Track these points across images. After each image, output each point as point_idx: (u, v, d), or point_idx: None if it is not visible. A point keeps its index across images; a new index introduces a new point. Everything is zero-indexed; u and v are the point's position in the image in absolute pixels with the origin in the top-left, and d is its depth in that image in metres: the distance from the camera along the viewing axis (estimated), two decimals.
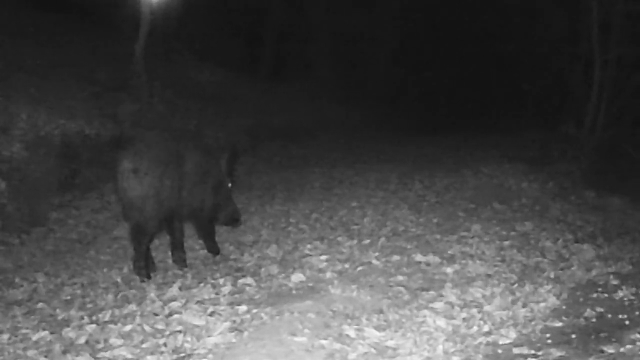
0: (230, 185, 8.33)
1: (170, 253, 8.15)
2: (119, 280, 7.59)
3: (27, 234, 9.78)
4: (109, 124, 12.86)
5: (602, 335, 5.84)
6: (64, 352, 5.60)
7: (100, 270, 8.02)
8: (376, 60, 28.06)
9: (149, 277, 7.50)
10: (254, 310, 6.24)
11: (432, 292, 6.85)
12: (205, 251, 8.47)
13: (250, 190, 11.77)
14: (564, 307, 6.64)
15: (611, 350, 5.46)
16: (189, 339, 5.67)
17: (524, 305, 6.53)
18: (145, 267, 7.55)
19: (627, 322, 6.17)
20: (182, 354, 5.43)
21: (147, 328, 5.96)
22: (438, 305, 6.49)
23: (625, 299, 6.86)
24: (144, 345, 5.64)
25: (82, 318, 6.39)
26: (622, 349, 5.48)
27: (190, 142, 8.31)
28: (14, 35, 14.95)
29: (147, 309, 6.47)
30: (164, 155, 7.46)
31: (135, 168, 7.24)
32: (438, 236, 8.99)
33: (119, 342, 5.74)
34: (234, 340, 5.62)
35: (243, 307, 6.34)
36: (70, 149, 11.54)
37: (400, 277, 7.31)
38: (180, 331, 5.83)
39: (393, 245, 8.56)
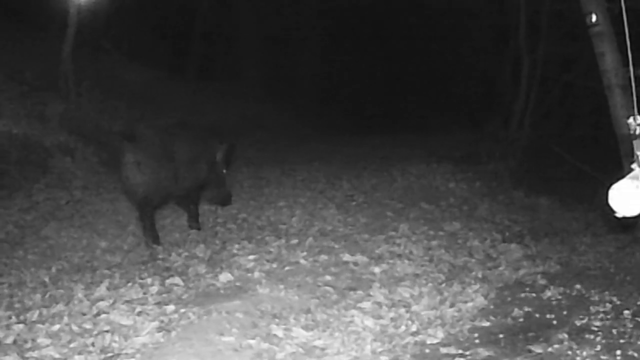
0: (225, 171, 9.96)
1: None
2: (46, 280, 7.49)
3: None
4: (36, 123, 12.66)
5: (529, 334, 5.91)
6: None
7: (27, 270, 7.89)
8: (305, 59, 28.11)
9: (159, 243, 8.75)
10: (182, 310, 6.22)
11: (360, 292, 6.87)
12: (133, 253, 8.45)
13: None
14: (491, 306, 6.71)
15: (539, 350, 5.52)
16: (116, 338, 5.62)
17: (452, 305, 6.58)
18: (154, 235, 8.86)
19: (554, 322, 6.26)
20: (110, 354, 5.38)
21: (74, 328, 5.89)
22: (366, 305, 6.52)
23: (553, 298, 6.95)
24: (71, 345, 5.57)
25: (9, 318, 6.29)
26: (549, 349, 5.55)
27: (181, 135, 9.49)
28: None
29: (74, 308, 6.39)
30: (160, 149, 8.93)
31: (136, 161, 8.72)
32: (366, 236, 9.02)
33: (47, 341, 5.65)
34: (161, 340, 5.59)
35: (171, 307, 6.32)
36: None
37: (328, 277, 7.34)
38: (108, 331, 5.78)
39: (321, 245, 8.57)
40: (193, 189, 9.59)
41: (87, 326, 5.93)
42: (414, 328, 6.01)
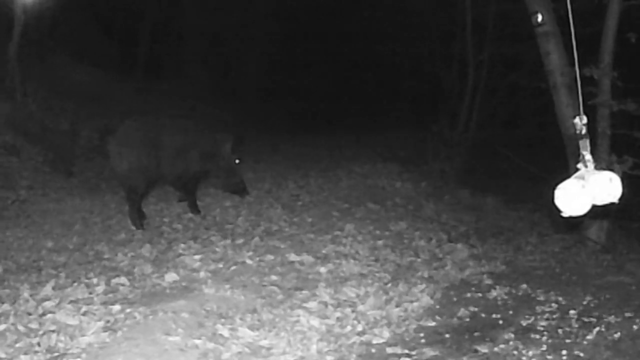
0: (237, 161, 10.62)
1: None
2: None
3: None
4: None
5: (475, 334, 5.94)
6: None
7: None
8: (251, 59, 28.09)
9: (142, 227, 9.51)
10: (128, 310, 6.15)
11: (305, 292, 6.86)
12: (79, 252, 8.35)
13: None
14: (437, 306, 6.74)
15: (485, 350, 5.56)
16: (62, 338, 5.55)
17: (398, 305, 6.60)
18: (139, 219, 9.62)
19: (500, 322, 6.30)
20: (56, 354, 5.31)
21: (20, 327, 5.80)
22: (312, 304, 6.51)
23: (499, 298, 7.00)
24: (17, 345, 5.49)
25: None
26: (495, 349, 5.58)
27: (169, 126, 10.17)
28: None
29: (20, 308, 6.29)
30: (140, 140, 9.70)
31: (119, 151, 9.59)
32: (312, 236, 9.00)
33: None
34: (107, 339, 5.53)
35: (117, 307, 6.24)
36: None
37: (274, 277, 7.31)
38: (53, 331, 5.70)
39: (267, 244, 8.54)
40: (186, 178, 10.24)
41: (33, 326, 5.85)
42: (359, 328, 6.01)
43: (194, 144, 10.15)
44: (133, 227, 9.48)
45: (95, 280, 7.08)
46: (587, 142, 3.96)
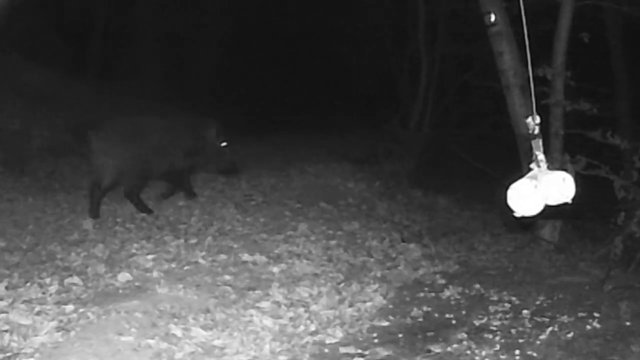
0: (225, 144, 11.21)
1: None
2: None
3: None
4: None
5: (428, 334, 5.99)
6: None
7: None
8: (204, 59, 28.00)
9: (151, 211, 10.13)
10: (81, 310, 6.12)
11: (258, 292, 6.87)
12: (32, 252, 8.23)
13: (77, 190, 11.45)
14: (390, 306, 6.79)
15: (438, 350, 5.60)
16: (15, 338, 5.49)
17: (351, 305, 6.63)
18: (145, 208, 10.16)
19: (453, 322, 6.36)
20: (9, 354, 5.26)
21: None
22: (265, 304, 6.52)
23: (452, 298, 7.06)
24: None
25: None
26: (448, 349, 5.63)
27: (153, 124, 10.77)
28: None
29: None
30: (123, 138, 10.11)
31: (103, 150, 9.92)
32: (265, 235, 9.00)
33: None
34: (60, 339, 5.49)
35: (70, 307, 6.20)
36: None
37: (227, 277, 7.32)
38: (6, 330, 5.63)
39: (220, 244, 8.53)
40: (174, 171, 10.76)
41: None
42: (312, 328, 6.04)
43: (176, 143, 10.63)
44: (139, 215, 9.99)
45: (48, 280, 7.00)
46: (540, 142, 4.00)
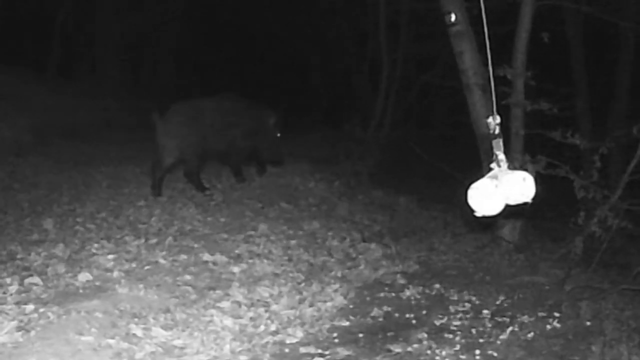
0: (279, 135, 12.43)
1: None
2: None
3: None
4: None
5: (389, 334, 6.02)
6: None
7: None
8: (161, 59, 27.97)
9: (206, 189, 11.47)
10: (41, 310, 6.08)
11: (219, 292, 6.88)
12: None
13: (37, 189, 11.38)
14: (351, 306, 6.82)
15: (398, 350, 5.63)
16: None
17: (311, 305, 6.65)
18: (201, 186, 11.45)
19: (414, 322, 6.40)
20: None
21: None
22: (225, 304, 6.54)
23: (412, 298, 7.10)
24: None
25: None
26: (409, 348, 5.67)
27: (214, 105, 11.88)
28: None
29: None
30: (185, 120, 11.33)
31: (166, 130, 11.08)
32: (225, 235, 8.99)
33: None
34: (20, 339, 5.47)
35: (30, 306, 6.16)
36: None
37: (187, 277, 7.31)
38: None
39: (180, 244, 8.52)
40: (231, 150, 11.91)
41: None
42: (273, 327, 6.06)
43: (236, 123, 11.75)
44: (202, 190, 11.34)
45: (8, 280, 6.95)
46: (501, 141, 4.01)
